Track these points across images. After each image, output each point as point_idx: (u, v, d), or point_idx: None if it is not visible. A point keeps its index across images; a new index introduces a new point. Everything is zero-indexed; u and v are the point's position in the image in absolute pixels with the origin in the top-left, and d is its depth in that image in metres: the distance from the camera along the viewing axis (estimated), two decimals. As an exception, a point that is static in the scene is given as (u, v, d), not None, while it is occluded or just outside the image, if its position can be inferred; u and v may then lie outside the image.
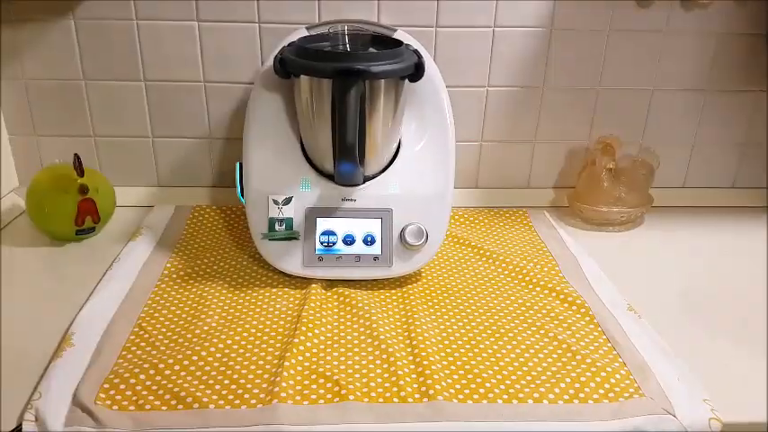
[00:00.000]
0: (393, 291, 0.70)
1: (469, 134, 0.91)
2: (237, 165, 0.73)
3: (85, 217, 0.79)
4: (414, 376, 0.56)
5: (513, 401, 0.53)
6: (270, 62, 0.71)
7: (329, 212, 0.71)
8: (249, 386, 0.54)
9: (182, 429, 0.49)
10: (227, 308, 0.66)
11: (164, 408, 0.51)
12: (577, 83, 0.89)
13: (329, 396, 0.53)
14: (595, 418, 0.52)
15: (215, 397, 0.53)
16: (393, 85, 0.67)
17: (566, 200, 0.91)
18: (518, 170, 0.94)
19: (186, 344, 0.60)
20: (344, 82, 0.61)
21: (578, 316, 0.66)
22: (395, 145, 0.74)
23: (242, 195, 0.72)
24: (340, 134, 0.63)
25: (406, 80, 0.68)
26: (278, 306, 0.66)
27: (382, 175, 0.73)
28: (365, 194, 0.71)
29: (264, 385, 0.54)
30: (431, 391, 0.53)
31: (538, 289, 0.71)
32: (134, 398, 0.52)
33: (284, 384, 0.53)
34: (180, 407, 0.51)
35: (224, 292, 0.69)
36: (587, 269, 0.75)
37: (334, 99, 0.64)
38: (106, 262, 0.74)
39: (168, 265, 0.74)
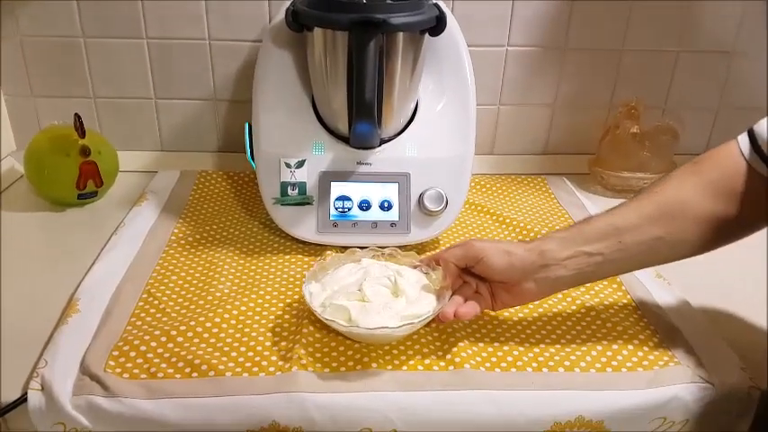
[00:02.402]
0: (411, 258, 0.67)
1: (486, 97, 0.87)
2: (246, 125, 0.69)
3: (87, 180, 0.75)
4: (438, 344, 0.53)
5: (544, 370, 0.51)
6: (280, 16, 0.67)
7: (344, 177, 0.68)
8: (267, 353, 0.52)
9: (198, 398, 0.47)
10: (239, 274, 0.63)
11: (177, 375, 0.49)
12: (600, 43, 0.85)
13: (350, 364, 0.51)
14: (631, 386, 0.49)
15: (231, 364, 0.50)
16: (413, 39, 0.63)
17: (586, 166, 0.88)
18: (536, 135, 0.91)
19: (198, 310, 0.57)
20: (362, 34, 0.57)
21: (605, 283, 0.63)
22: (413, 105, 0.70)
23: (252, 158, 0.69)
24: (357, 91, 0.59)
25: (426, 34, 0.65)
26: (292, 273, 0.63)
27: (399, 137, 0.69)
28: (381, 158, 0.68)
29: (283, 352, 0.52)
30: (456, 359, 0.51)
31: (561, 256, 0.68)
32: (145, 365, 0.50)
33: (303, 351, 0.51)
34: (194, 374, 0.49)
35: (235, 258, 0.66)
36: (611, 236, 0.72)
37: (351, 53, 0.60)
38: (110, 227, 0.71)
39: (176, 230, 0.71)
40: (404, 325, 0.49)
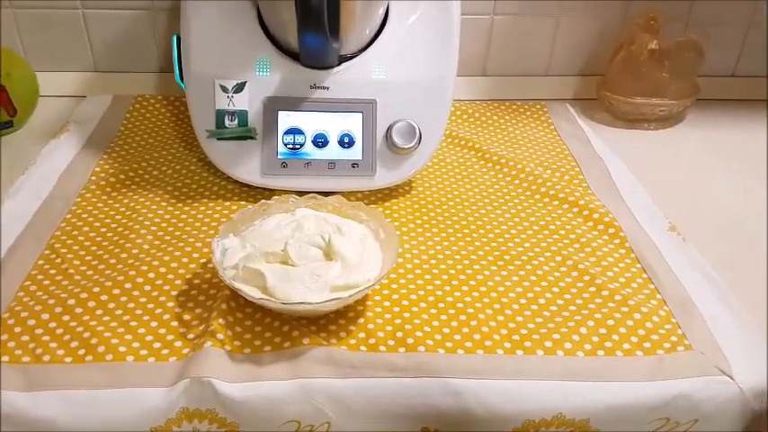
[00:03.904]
0: (375, 206, 0.56)
1: (477, 5, 0.72)
2: (174, 38, 0.56)
3: (-4, 108, 0.64)
4: (388, 316, 0.43)
5: (518, 352, 0.41)
6: None
7: (295, 104, 0.56)
8: (183, 330, 0.42)
9: (88, 389, 0.38)
10: (164, 225, 0.53)
11: (67, 359, 0.40)
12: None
13: (278, 340, 0.41)
14: (626, 377, 0.40)
15: (136, 345, 0.41)
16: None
17: (594, 90, 0.74)
18: (537, 53, 0.76)
19: (108, 272, 0.47)
20: None
21: (606, 237, 0.52)
22: (381, 13, 0.56)
23: (181, 79, 0.56)
24: (300, -8, 0.46)
25: None
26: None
27: (363, 54, 0.57)
28: (341, 80, 0.56)
29: (203, 327, 0.42)
30: (409, 340, 0.41)
31: (555, 203, 0.57)
32: (31, 345, 0.41)
33: (222, 321, 0.42)
34: (89, 358, 0.40)
35: (163, 204, 0.55)
36: (618, 177, 0.61)
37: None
38: (24, 165, 0.60)
39: (97, 169, 0.60)
40: (330, 300, 0.39)
